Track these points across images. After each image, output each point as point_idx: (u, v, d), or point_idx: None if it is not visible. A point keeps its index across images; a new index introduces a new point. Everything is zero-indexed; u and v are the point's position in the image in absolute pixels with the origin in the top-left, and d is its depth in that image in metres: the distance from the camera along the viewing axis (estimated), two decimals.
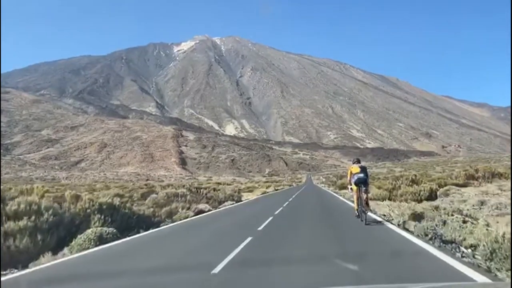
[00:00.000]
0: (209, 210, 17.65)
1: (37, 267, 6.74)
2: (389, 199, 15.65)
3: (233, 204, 22.67)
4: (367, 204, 10.47)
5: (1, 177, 77.80)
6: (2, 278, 6.02)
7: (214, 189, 26.45)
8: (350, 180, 10.92)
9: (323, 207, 18.46)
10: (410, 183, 16.44)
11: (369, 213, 11.17)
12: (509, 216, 9.28)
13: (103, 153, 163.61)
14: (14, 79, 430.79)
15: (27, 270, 6.61)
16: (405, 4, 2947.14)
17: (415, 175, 17.75)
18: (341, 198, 24.64)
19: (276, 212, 14.85)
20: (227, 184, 49.50)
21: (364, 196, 10.40)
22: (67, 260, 7.25)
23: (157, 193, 20.54)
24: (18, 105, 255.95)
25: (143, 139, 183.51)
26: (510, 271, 4.72)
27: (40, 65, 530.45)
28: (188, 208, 15.91)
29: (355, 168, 10.66)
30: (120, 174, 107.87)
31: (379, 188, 17.45)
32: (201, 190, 22.29)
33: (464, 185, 17.79)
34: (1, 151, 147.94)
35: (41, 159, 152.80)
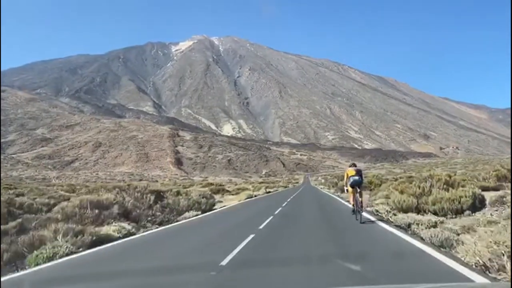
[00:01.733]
0: (126, 235, 10.49)
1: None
2: (417, 210, 11.56)
3: (195, 216, 15.88)
4: (361, 204, 11.53)
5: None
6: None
7: (178, 193, 19.35)
8: (346, 182, 11.98)
9: (327, 224, 12.26)
10: (445, 186, 12.02)
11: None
12: None
13: (97, 152, 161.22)
14: (10, 77, 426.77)
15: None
16: (404, 6, 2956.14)
17: (449, 176, 13.12)
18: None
19: (241, 247, 7.77)
20: (220, 185, 46.22)
21: (359, 197, 11.46)
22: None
23: (69, 200, 13.53)
24: (13, 104, 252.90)
25: (138, 139, 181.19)
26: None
27: (36, 64, 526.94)
28: (79, 234, 8.77)
29: (351, 171, 11.76)
30: (113, 174, 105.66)
31: (401, 192, 12.84)
32: (148, 195, 14.85)
33: (495, 189, 14.72)
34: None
35: (34, 158, 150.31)
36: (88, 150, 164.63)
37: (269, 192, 45.17)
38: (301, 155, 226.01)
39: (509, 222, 7.39)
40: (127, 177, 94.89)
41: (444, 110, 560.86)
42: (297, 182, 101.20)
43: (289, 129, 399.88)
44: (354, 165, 12.43)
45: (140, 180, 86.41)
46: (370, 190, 25.00)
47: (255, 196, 35.02)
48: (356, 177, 11.56)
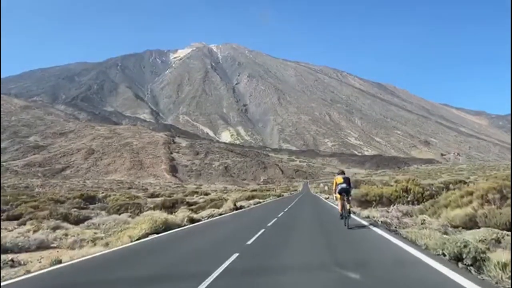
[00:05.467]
0: None
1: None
2: None
3: None
4: (349, 210, 11.83)
5: None
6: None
7: None
8: (335, 189, 12.15)
9: None
10: None
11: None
12: None
13: (90, 160, 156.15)
14: (7, 85, 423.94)
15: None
16: (403, 13, 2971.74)
17: None
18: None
19: None
20: (197, 192, 40.83)
21: (347, 204, 11.81)
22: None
23: None
24: (7, 111, 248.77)
25: (133, 146, 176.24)
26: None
27: (34, 72, 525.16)
28: None
29: (339, 179, 11.94)
30: (102, 182, 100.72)
31: None
32: None
33: None
34: None
35: (24, 166, 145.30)
36: (80, 157, 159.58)
37: (240, 208, 26.88)
38: (300, 161, 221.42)
39: None
40: (115, 185, 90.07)
41: (444, 117, 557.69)
42: (295, 190, 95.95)
43: (288, 136, 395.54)
44: (343, 173, 12.65)
45: (129, 188, 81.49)
46: (411, 203, 16.61)
47: (191, 222, 15.96)
48: (344, 185, 11.81)
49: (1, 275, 7.48)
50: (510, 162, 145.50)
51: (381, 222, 12.05)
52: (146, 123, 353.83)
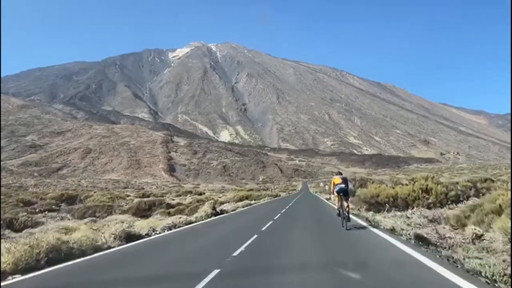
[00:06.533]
0: None
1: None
2: None
3: None
4: (348, 211, 11.73)
5: None
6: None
7: None
8: (333, 190, 12.25)
9: None
10: None
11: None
12: None
13: (87, 159, 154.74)
14: (5, 84, 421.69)
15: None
16: (403, 13, 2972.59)
17: None
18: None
19: None
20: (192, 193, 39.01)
21: (345, 204, 11.70)
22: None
23: None
24: (5, 111, 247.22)
25: (130, 145, 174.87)
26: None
27: (32, 71, 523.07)
28: None
29: (337, 179, 12.05)
30: (97, 182, 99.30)
31: None
32: None
33: None
34: None
35: (21, 165, 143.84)
36: (77, 156, 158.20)
37: (221, 213, 21.43)
38: (299, 161, 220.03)
39: None
40: (111, 184, 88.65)
41: (443, 116, 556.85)
42: (294, 189, 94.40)
43: (287, 135, 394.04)
44: (340, 173, 12.82)
45: (125, 187, 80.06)
46: (432, 205, 13.76)
47: (127, 240, 10.43)
48: (342, 185, 11.84)
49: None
50: (510, 162, 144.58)
51: (415, 236, 8.18)
52: (145, 122, 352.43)
